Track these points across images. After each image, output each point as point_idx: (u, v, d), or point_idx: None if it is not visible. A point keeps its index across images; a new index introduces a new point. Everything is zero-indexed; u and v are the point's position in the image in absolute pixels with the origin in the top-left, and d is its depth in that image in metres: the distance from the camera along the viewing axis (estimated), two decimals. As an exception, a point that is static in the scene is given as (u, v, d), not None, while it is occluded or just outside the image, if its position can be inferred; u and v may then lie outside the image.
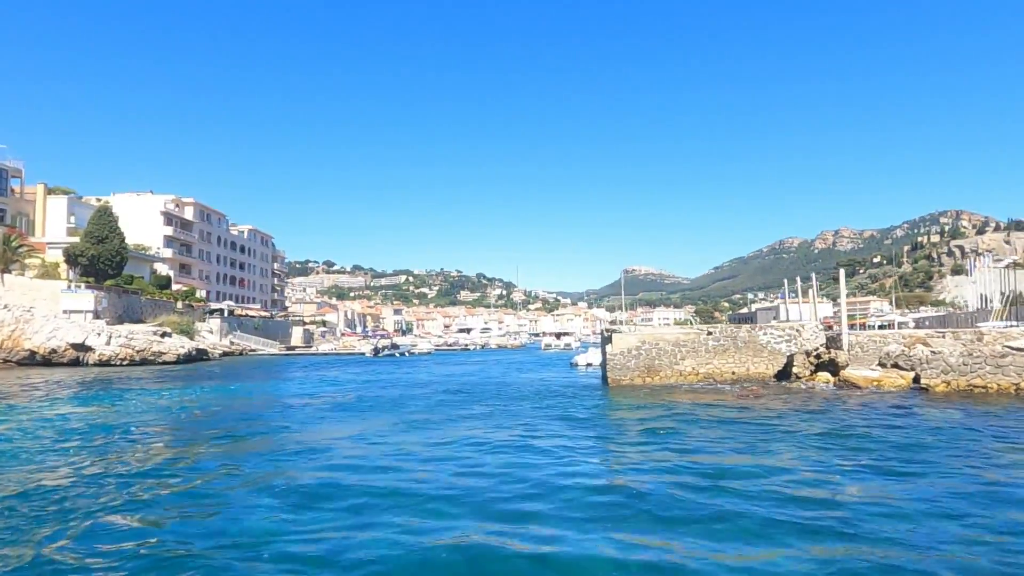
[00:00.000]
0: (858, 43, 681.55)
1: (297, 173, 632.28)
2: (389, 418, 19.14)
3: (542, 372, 43.39)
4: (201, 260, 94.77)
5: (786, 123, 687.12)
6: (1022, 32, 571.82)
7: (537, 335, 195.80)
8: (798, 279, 40.53)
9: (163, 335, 56.60)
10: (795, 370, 27.99)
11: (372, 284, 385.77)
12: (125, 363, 50.66)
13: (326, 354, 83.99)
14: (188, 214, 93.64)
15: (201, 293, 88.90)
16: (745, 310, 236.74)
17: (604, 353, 28.51)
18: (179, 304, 74.82)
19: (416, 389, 30.15)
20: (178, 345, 56.09)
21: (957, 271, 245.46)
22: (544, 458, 12.83)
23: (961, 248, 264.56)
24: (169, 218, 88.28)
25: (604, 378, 29.55)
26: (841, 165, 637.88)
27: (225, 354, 70.92)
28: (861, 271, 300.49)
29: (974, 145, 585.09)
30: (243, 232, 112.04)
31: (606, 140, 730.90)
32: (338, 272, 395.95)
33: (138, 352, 52.13)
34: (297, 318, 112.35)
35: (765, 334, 27.36)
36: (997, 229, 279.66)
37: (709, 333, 27.57)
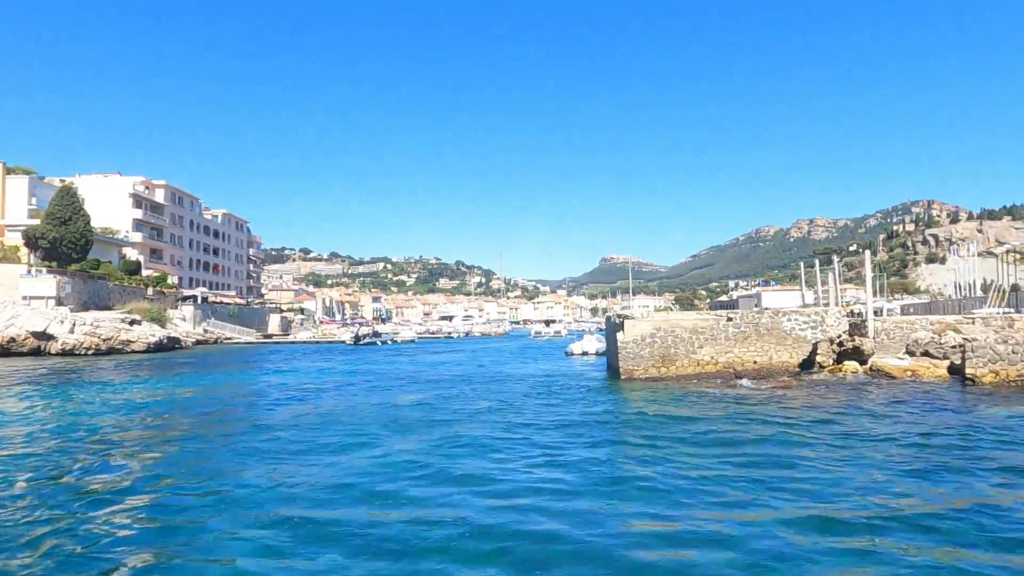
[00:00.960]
0: (832, 38, 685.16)
1: (273, 159, 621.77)
2: (378, 426, 16.31)
3: (537, 363, 41.07)
4: (173, 245, 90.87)
5: (764, 113, 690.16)
6: (990, 27, 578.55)
7: (518, 323, 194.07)
8: (816, 263, 38.58)
9: (132, 323, 53.39)
10: (819, 359, 26.01)
11: (350, 272, 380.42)
12: (90, 352, 47.47)
13: (305, 342, 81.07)
14: (159, 197, 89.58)
15: (173, 279, 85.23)
16: (724, 297, 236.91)
17: (614, 341, 26.24)
18: (150, 290, 71.39)
19: (405, 385, 27.34)
20: (148, 333, 52.92)
21: (932, 259, 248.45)
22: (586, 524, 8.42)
23: (936, 237, 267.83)
24: (139, 201, 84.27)
25: (614, 369, 27.30)
26: (817, 154, 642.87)
27: (199, 342, 67.76)
28: (838, 259, 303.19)
29: (945, 136, 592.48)
30: (217, 216, 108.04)
31: (585, 129, 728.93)
32: (315, 259, 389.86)
33: (104, 341, 48.93)
34: (274, 305, 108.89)
35: (789, 320, 25.27)
36: (971, 218, 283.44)
37: (729, 319, 25.40)
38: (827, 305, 30.61)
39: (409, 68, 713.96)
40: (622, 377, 25.20)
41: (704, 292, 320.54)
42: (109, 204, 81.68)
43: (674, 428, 15.18)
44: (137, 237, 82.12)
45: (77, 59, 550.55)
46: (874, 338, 26.87)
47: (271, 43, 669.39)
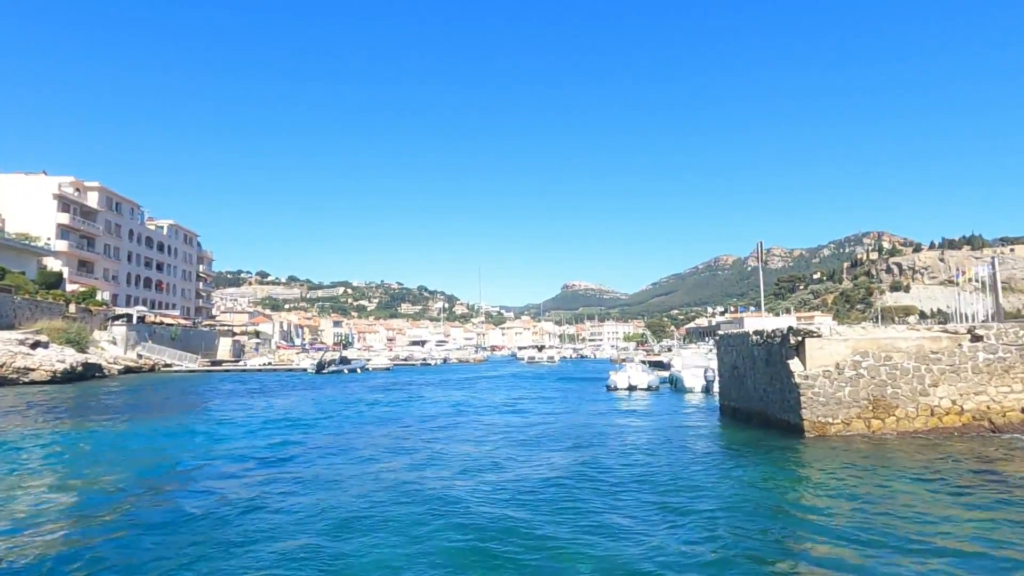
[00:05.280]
0: (784, 74, 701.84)
1: (229, 179, 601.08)
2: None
3: (582, 403, 30.39)
4: (107, 256, 77.97)
5: (721, 144, 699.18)
6: (935, 64, 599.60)
7: (486, 348, 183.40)
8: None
9: (35, 345, 41.31)
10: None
11: (308, 296, 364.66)
12: (-31, 384, 35.53)
13: (259, 370, 69.01)
14: (92, 201, 76.89)
15: (105, 295, 72.44)
16: (693, 324, 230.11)
17: (782, 373, 16.15)
18: (72, 307, 58.83)
19: (422, 463, 14.83)
20: (55, 359, 40.89)
21: (896, 287, 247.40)
22: None
23: (899, 265, 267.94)
24: (65, 204, 71.56)
25: (775, 419, 17.10)
26: (772, 184, 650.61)
27: (128, 370, 55.51)
28: (801, 287, 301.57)
29: (892, 171, 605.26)
30: (163, 227, 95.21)
31: (546, 156, 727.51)
32: (272, 283, 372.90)
33: (-8, 369, 36.98)
34: (226, 328, 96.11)
35: (1074, 340, 15.58)
36: (932, 247, 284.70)
37: (976, 338, 15.58)
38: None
39: (368, 92, 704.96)
40: (807, 433, 15.07)
41: (667, 319, 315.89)
42: (30, 207, 69.21)
43: None
44: (62, 245, 69.35)
45: (7, 48, 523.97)
46: None
47: (225, 59, 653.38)
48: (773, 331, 17.03)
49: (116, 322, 63.98)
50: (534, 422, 21.92)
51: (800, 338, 15.55)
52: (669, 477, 12.38)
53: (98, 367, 46.75)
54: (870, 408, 15.22)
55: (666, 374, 40.08)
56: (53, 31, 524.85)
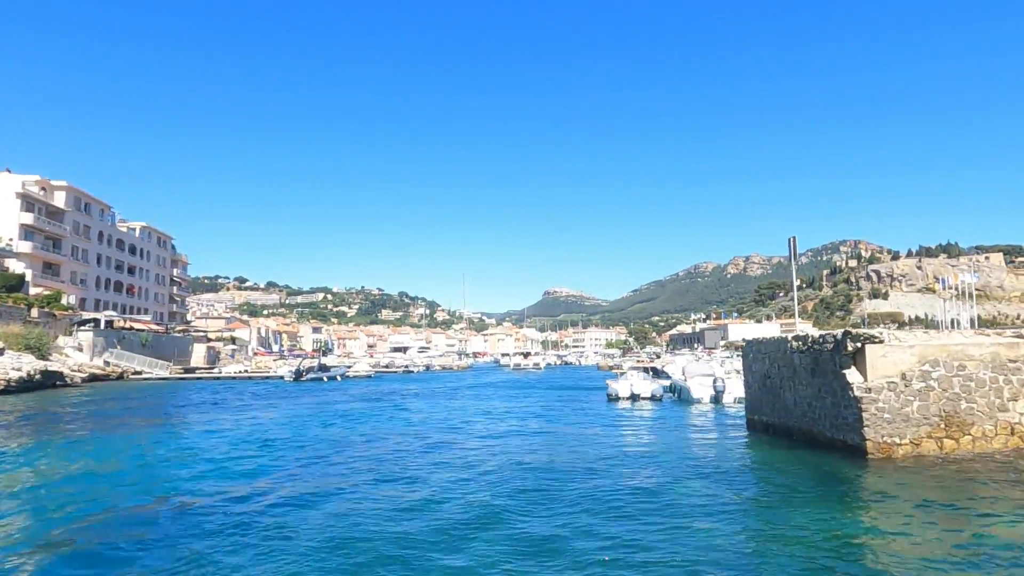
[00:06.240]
0: (764, 84, 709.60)
1: (207, 183, 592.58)
2: None
3: (586, 417, 27.93)
4: (75, 259, 74.50)
5: (701, 151, 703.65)
6: (913, 72, 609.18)
7: (468, 355, 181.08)
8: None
9: (-12, 352, 38.26)
10: None
11: (288, 302, 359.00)
12: (-89, 395, 32.45)
13: (233, 377, 66.12)
14: (59, 201, 73.48)
15: (71, 299, 69.01)
16: (676, 331, 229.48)
17: (836, 385, 13.99)
18: (34, 311, 55.55)
19: (413, 506, 11.21)
20: (9, 366, 37.79)
21: (875, 294, 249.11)
22: None
23: (877, 272, 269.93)
24: (30, 203, 68.13)
25: (822, 438, 14.89)
26: (750, 193, 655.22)
27: (95, 378, 52.37)
28: (782, 294, 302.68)
29: (868, 180, 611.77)
30: (135, 229, 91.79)
31: (528, 163, 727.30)
32: (251, 289, 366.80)
33: (-62, 377, 33.91)
34: (200, 333, 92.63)
35: None
36: (910, 255, 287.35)
37: (1061, 344, 13.58)
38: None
39: (350, 97, 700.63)
40: (870, 455, 12.91)
41: (648, 326, 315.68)
42: (-9, 206, 65.84)
43: None
44: (25, 247, 65.93)
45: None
46: None
47: (203, 61, 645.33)
48: (821, 336, 14.91)
49: (82, 327, 60.73)
50: (539, 443, 19.53)
51: (859, 344, 13.40)
52: (724, 552, 10.10)
53: (59, 375, 43.65)
54: (942, 426, 13.12)
55: (667, 383, 37.99)
56: (30, 30, 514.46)
